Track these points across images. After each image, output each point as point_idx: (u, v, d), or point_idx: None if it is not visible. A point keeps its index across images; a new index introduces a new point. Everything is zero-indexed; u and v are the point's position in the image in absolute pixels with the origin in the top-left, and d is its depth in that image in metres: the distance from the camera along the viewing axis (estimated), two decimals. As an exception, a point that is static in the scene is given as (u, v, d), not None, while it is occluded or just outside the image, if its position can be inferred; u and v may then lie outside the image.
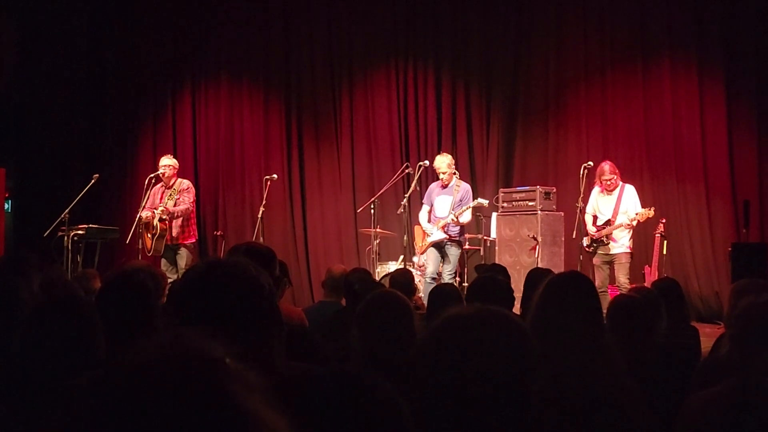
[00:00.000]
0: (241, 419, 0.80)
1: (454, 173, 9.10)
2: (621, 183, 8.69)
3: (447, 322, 1.62)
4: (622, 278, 8.37)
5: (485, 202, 9.01)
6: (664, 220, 9.31)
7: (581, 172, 8.77)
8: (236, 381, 0.82)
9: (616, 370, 2.65)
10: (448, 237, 8.84)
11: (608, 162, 8.79)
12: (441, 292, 4.52)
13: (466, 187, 9.10)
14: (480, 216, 9.97)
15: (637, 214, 8.45)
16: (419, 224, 9.28)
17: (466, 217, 8.88)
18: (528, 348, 1.60)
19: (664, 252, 9.18)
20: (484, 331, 1.59)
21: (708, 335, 6.07)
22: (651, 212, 8.46)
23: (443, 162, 9.05)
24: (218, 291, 1.77)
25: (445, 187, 9.03)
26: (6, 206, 11.89)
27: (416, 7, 11.51)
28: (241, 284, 1.79)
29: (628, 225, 8.46)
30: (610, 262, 8.56)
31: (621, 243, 8.52)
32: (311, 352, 2.97)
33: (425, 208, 9.18)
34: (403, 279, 5.43)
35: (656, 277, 8.63)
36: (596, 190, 8.78)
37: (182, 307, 1.81)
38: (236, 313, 1.74)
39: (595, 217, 8.73)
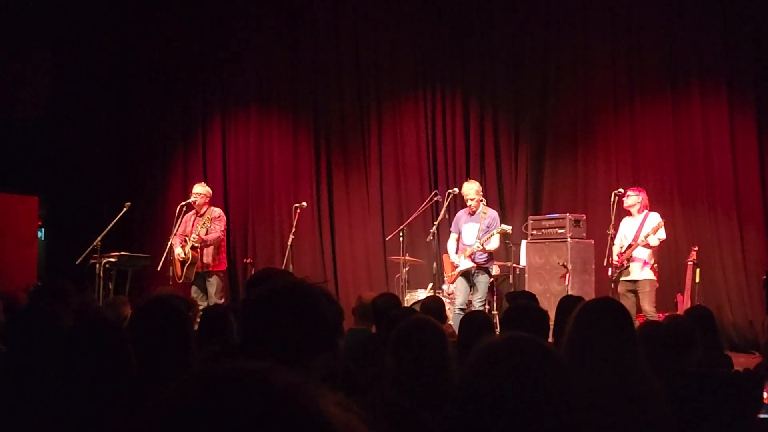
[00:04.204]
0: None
1: (482, 200, 9.08)
2: (647, 210, 8.66)
3: (483, 352, 1.61)
4: (647, 307, 8.28)
5: (509, 228, 8.95)
6: (696, 248, 9.22)
7: (612, 200, 8.72)
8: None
9: (653, 398, 2.61)
10: (476, 265, 8.79)
11: (635, 188, 8.81)
12: (472, 319, 4.50)
13: (493, 214, 9.07)
14: (509, 243, 9.92)
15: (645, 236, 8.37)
16: (447, 253, 9.24)
17: (493, 243, 8.82)
18: (564, 375, 1.59)
19: (697, 280, 9.08)
20: (519, 359, 1.58)
21: (742, 365, 5.97)
22: (661, 224, 8.37)
23: (471, 188, 9.04)
24: (288, 318, 1.81)
25: (472, 214, 9.00)
26: (39, 234, 12.04)
27: (443, 34, 11.55)
28: (312, 317, 1.82)
29: (644, 243, 8.37)
30: (635, 291, 8.46)
31: (645, 263, 8.41)
32: (345, 379, 2.97)
33: (453, 237, 9.15)
34: (434, 306, 5.42)
35: (689, 305, 8.52)
36: (625, 218, 8.78)
37: (252, 323, 1.84)
38: (302, 342, 1.77)
39: (622, 247, 8.68)
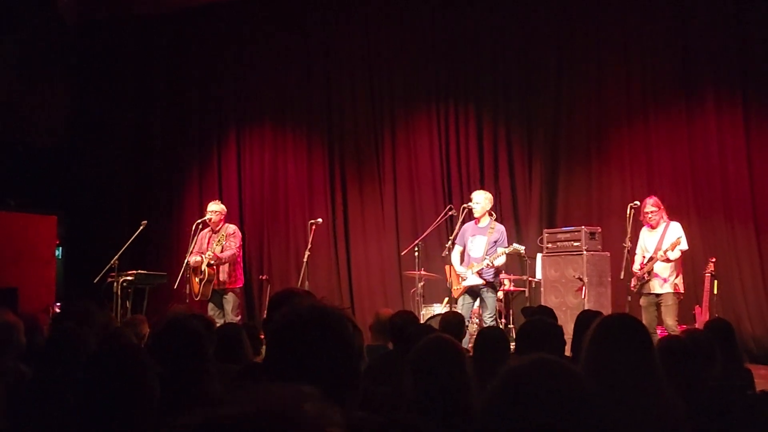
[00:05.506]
0: None
1: (491, 214, 8.97)
2: (667, 220, 8.57)
3: (508, 376, 1.61)
4: (670, 321, 8.15)
5: (521, 248, 8.81)
6: (713, 259, 9.14)
7: (628, 212, 8.65)
8: None
9: (673, 415, 2.61)
10: (484, 282, 8.71)
11: (652, 197, 8.71)
12: (488, 336, 4.50)
13: (501, 228, 8.92)
14: (525, 257, 9.88)
15: (664, 251, 8.29)
16: (451, 265, 9.03)
17: (500, 260, 8.65)
18: (590, 400, 1.59)
19: (715, 291, 9.01)
20: (546, 384, 1.58)
21: (763, 377, 5.95)
22: (678, 241, 8.27)
23: (480, 195, 8.90)
24: (315, 342, 1.82)
25: (478, 225, 8.90)
26: (57, 253, 12.13)
27: (456, 48, 11.56)
28: (337, 342, 1.84)
29: (664, 258, 8.29)
30: (657, 304, 8.35)
31: (665, 280, 8.34)
32: (362, 397, 2.97)
33: (457, 249, 8.95)
34: (454, 320, 5.44)
35: (707, 318, 8.47)
36: (644, 228, 8.69)
37: (279, 345, 1.86)
38: (326, 368, 1.79)
39: (644, 258, 8.58)
